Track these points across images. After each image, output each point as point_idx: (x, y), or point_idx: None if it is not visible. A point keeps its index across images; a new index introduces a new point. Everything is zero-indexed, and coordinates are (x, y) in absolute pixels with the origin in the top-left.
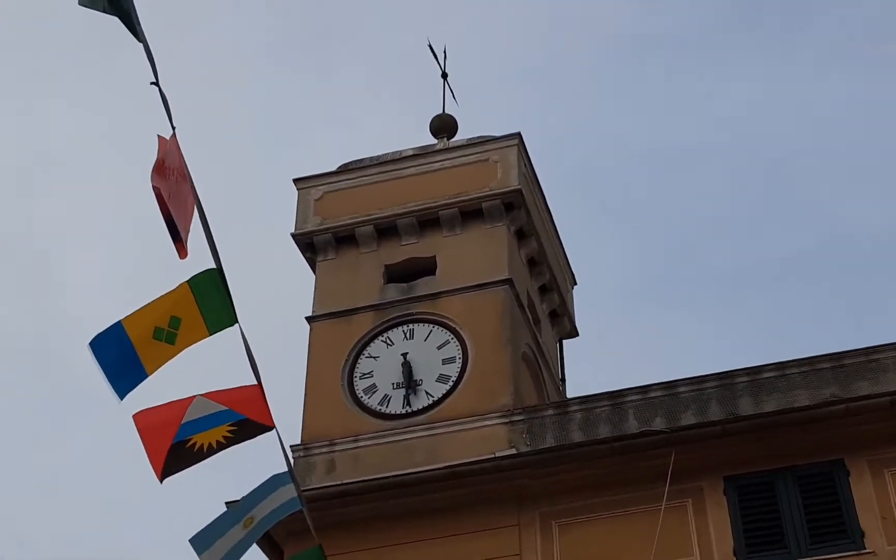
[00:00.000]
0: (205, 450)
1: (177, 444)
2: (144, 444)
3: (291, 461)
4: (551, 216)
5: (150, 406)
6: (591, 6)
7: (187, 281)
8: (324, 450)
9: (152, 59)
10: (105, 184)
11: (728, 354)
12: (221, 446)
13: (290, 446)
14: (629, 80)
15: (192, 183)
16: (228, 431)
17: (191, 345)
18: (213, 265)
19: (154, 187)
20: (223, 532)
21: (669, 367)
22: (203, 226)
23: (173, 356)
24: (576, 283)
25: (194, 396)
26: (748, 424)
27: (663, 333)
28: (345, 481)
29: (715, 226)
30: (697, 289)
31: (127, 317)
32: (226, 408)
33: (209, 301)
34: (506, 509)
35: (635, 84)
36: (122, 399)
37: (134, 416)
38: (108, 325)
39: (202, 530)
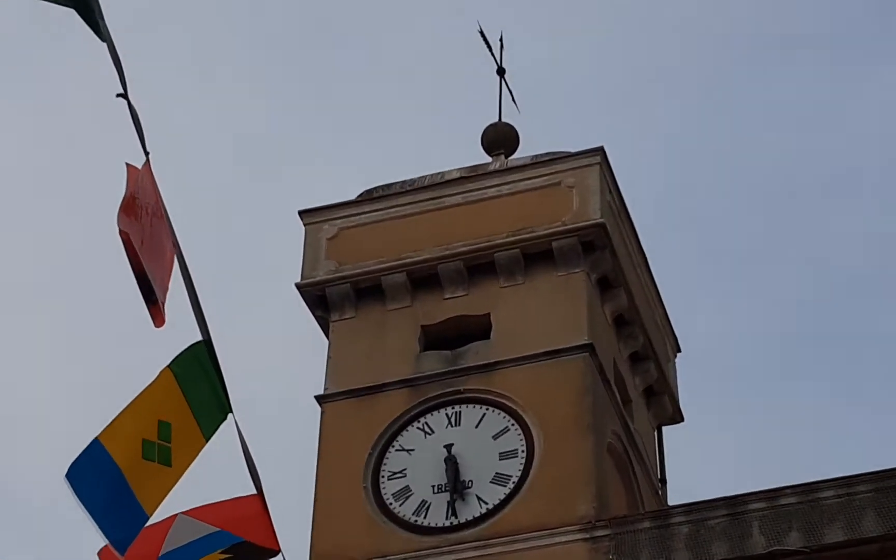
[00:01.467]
0: None
1: None
2: None
3: None
4: (646, 260)
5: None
6: None
7: (169, 365)
8: None
9: (119, 63)
10: (50, 224)
11: (889, 447)
12: None
13: None
14: (747, 87)
15: (171, 226)
16: None
17: (190, 462)
18: (198, 336)
19: (121, 232)
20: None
21: (807, 465)
22: (185, 282)
23: (173, 484)
24: (679, 351)
25: (175, 515)
26: None
27: (799, 418)
28: None
29: (866, 275)
30: (845, 358)
31: (104, 430)
32: (217, 529)
33: (198, 390)
34: None
35: (755, 92)
36: (123, 554)
37: (99, 555)
38: (83, 445)
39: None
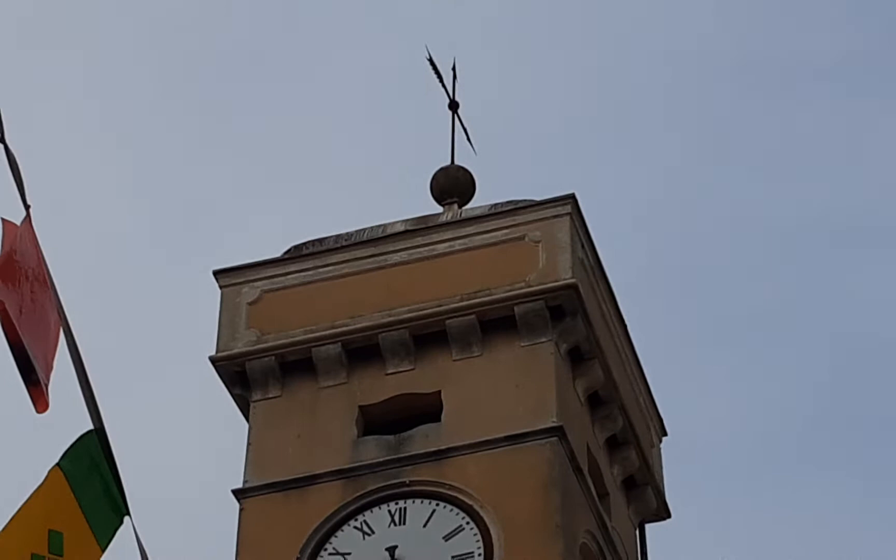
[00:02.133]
0: None
1: None
2: None
3: None
4: (626, 328)
5: None
6: (676, 13)
7: (59, 463)
8: None
9: None
10: None
11: None
12: None
13: None
14: (747, 124)
15: (56, 292)
16: None
17: None
18: (89, 424)
19: None
20: None
21: None
22: (73, 359)
23: None
24: (665, 435)
25: None
26: None
27: (808, 515)
28: None
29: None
30: (864, 443)
31: None
32: None
33: (91, 490)
34: None
35: (756, 129)
36: None
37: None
38: None
39: None
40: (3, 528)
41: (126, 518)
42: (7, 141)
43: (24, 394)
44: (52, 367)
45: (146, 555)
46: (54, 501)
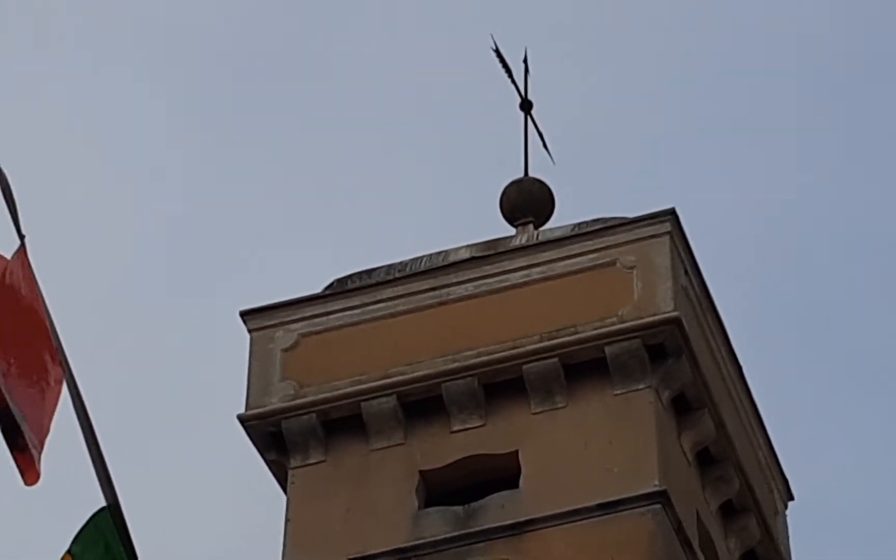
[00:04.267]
0: None
1: None
2: None
3: None
4: (741, 371)
5: None
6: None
7: (69, 550)
8: None
9: None
10: None
11: None
12: None
13: None
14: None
15: (58, 339)
16: None
17: None
18: (101, 500)
19: None
20: None
21: None
22: (81, 423)
23: None
24: (792, 499)
25: None
26: None
27: None
28: None
29: None
30: None
31: None
32: None
33: None
34: None
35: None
36: None
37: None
38: None
39: None
40: None
41: None
42: None
43: (11, 464)
44: (47, 430)
45: None
46: None
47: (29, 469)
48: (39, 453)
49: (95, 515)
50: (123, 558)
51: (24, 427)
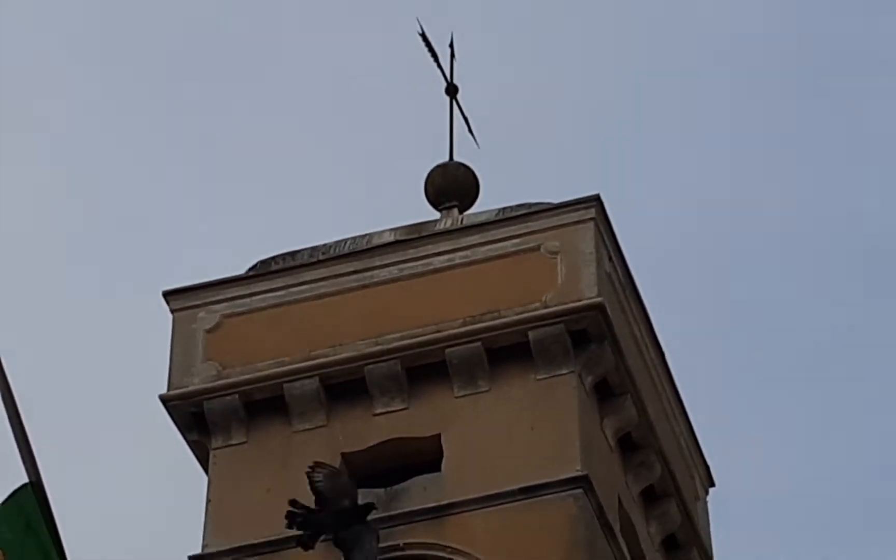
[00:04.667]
0: None
1: None
2: None
3: None
4: (663, 357)
5: None
6: None
7: None
8: None
9: None
10: None
11: None
12: None
13: None
14: (813, 110)
15: None
16: None
17: None
18: (22, 477)
19: None
20: None
21: None
22: (3, 399)
23: None
24: (713, 485)
25: None
26: None
27: None
28: None
29: None
30: None
31: None
32: None
33: (26, 555)
34: None
35: (831, 115)
36: None
37: None
38: None
39: None
40: None
41: None
42: None
43: None
44: None
45: None
46: None
47: None
48: None
49: (17, 492)
50: (45, 536)
51: None
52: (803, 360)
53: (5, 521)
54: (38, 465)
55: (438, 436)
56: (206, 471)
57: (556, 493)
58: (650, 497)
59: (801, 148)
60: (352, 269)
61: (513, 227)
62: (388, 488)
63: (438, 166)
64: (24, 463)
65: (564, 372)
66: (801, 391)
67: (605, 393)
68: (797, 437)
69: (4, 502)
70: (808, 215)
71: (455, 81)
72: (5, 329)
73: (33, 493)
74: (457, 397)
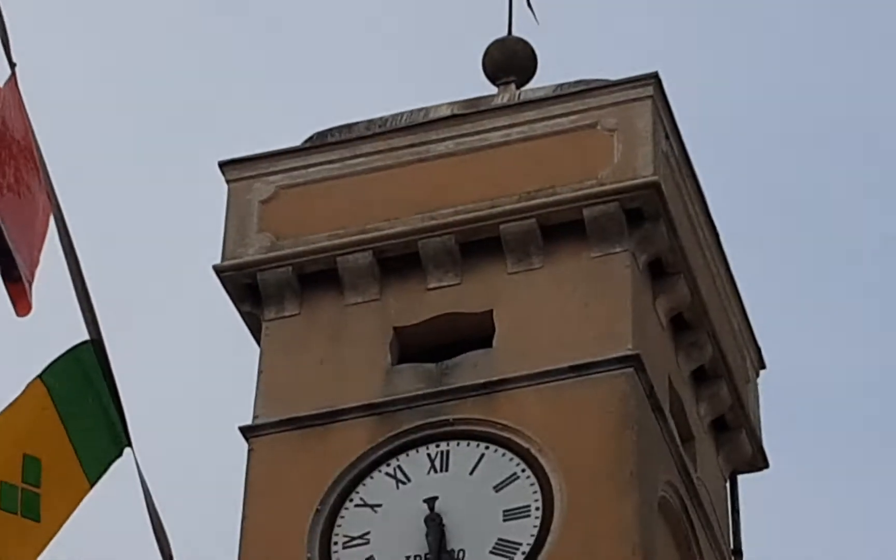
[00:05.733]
0: None
1: None
2: None
3: None
4: (718, 238)
5: None
6: None
7: (41, 376)
8: None
9: None
10: None
11: None
12: None
13: None
14: None
15: (46, 172)
16: None
17: (68, 514)
18: (83, 334)
19: None
20: None
21: None
22: (66, 256)
23: (44, 546)
24: (764, 368)
25: None
26: None
27: None
28: None
29: None
30: None
31: None
32: None
33: (82, 413)
34: None
35: None
36: None
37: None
38: None
39: None
40: None
41: (126, 450)
42: None
43: (2, 293)
44: (37, 262)
45: (151, 496)
46: (33, 421)
47: (21, 299)
48: (31, 284)
49: (76, 348)
50: (104, 391)
51: (18, 256)
52: (861, 249)
53: (59, 374)
54: (100, 325)
55: (491, 312)
56: (259, 342)
57: (606, 371)
58: (701, 378)
59: (870, 40)
60: (408, 142)
61: (570, 104)
62: (440, 363)
63: (497, 41)
64: (86, 321)
65: (618, 250)
66: (857, 280)
67: (658, 272)
68: (850, 325)
69: (61, 357)
70: (871, 107)
71: None
72: (69, 189)
73: (94, 352)
74: (510, 273)
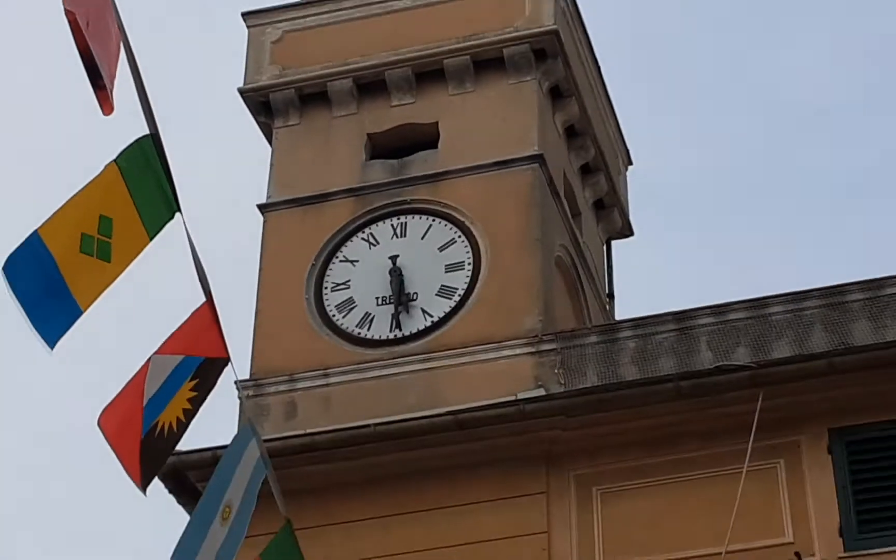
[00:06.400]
0: (175, 430)
1: (146, 438)
2: (118, 455)
3: (239, 401)
4: (600, 71)
5: (109, 398)
6: None
7: (115, 160)
8: (282, 388)
9: None
10: None
11: (836, 267)
12: (189, 415)
13: (236, 382)
14: None
15: (116, 8)
16: (191, 392)
17: (132, 259)
18: (144, 130)
19: (67, 11)
20: (203, 534)
21: (756, 284)
22: (132, 71)
23: (111, 281)
24: (631, 164)
25: (148, 361)
26: (865, 358)
27: (749, 239)
28: (309, 431)
29: (821, 117)
30: (796, 189)
31: (44, 223)
32: (182, 356)
33: (144, 186)
34: (530, 471)
35: None
36: (52, 348)
37: (100, 423)
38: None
39: (180, 543)
40: (59, 209)
41: (177, 214)
42: None
43: (92, 98)
44: (114, 75)
45: (195, 248)
46: (108, 191)
47: (106, 103)
48: (112, 91)
49: (140, 139)
50: (161, 174)
51: (102, 70)
52: (693, 86)
53: (126, 156)
54: (157, 123)
55: (437, 123)
56: (270, 144)
57: (519, 166)
58: (586, 171)
59: None
60: (378, 0)
61: None
62: (400, 159)
63: None
64: (146, 116)
65: (528, 79)
66: (694, 107)
67: (556, 95)
68: (690, 136)
69: (129, 146)
70: None
71: None
72: (132, 29)
73: (152, 142)
74: (451, 95)
